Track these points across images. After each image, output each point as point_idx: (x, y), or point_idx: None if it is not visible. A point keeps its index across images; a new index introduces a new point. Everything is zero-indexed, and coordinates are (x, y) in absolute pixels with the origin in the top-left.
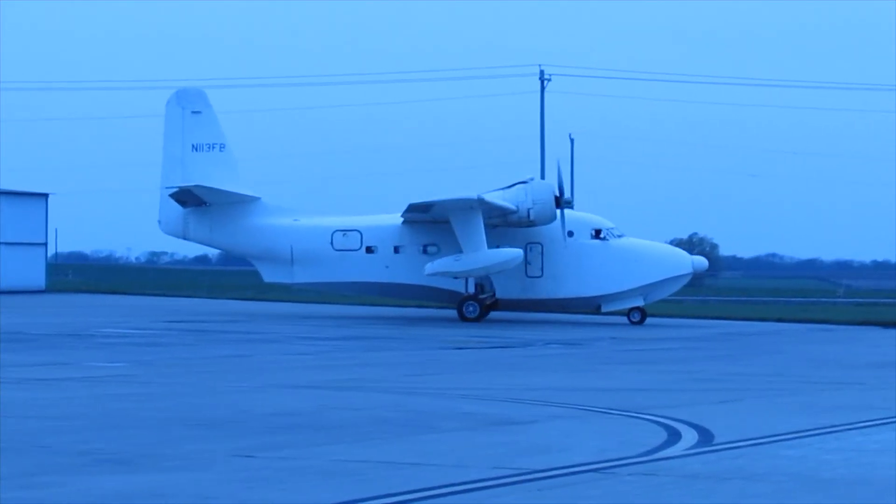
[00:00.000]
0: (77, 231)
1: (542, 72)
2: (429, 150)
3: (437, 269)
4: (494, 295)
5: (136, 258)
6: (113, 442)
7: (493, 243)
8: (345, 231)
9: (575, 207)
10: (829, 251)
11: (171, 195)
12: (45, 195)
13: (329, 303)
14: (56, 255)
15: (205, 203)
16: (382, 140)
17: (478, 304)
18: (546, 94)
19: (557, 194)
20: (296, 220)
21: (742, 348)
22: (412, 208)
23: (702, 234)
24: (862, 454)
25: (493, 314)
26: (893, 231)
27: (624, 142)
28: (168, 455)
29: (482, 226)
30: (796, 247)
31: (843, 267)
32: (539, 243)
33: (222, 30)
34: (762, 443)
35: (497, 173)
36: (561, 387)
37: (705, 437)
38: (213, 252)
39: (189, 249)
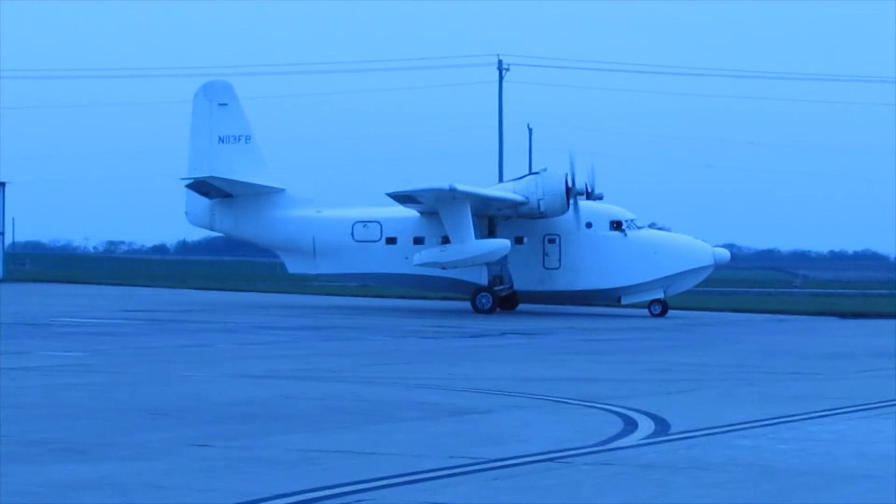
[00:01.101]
0: (34, 220)
1: (500, 61)
2: (386, 140)
3: (423, 259)
4: (512, 287)
5: (94, 248)
6: (68, 431)
7: (511, 235)
8: (365, 222)
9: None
10: (786, 242)
11: (188, 186)
12: (2, 184)
13: (294, 293)
14: (13, 244)
15: (230, 195)
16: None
17: (491, 296)
18: (504, 84)
19: (569, 186)
20: (319, 211)
21: (699, 339)
22: (393, 198)
23: (659, 224)
24: (817, 444)
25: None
26: (850, 222)
27: (582, 131)
28: (123, 444)
29: (469, 216)
30: (754, 237)
31: (801, 257)
32: (557, 235)
33: (164, 18)
34: (717, 433)
35: (454, 163)
36: (518, 377)
37: (661, 426)
38: (170, 242)
39: (146, 239)
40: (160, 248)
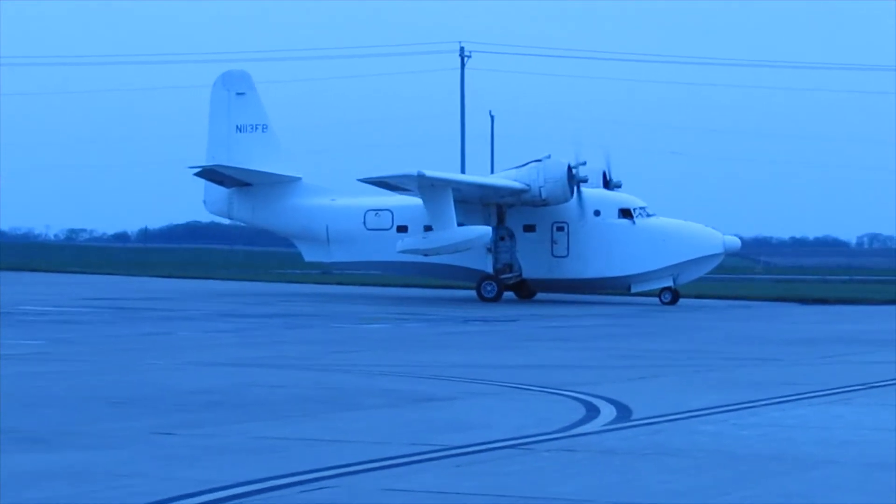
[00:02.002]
0: None
1: (462, 48)
2: (349, 127)
3: (406, 246)
4: (521, 275)
5: (55, 235)
6: (29, 420)
7: (520, 223)
8: (377, 211)
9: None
10: (747, 228)
11: (197, 174)
12: None
13: (259, 281)
14: None
15: (248, 184)
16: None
17: (496, 284)
18: (466, 71)
19: (572, 173)
20: (333, 200)
21: (661, 325)
22: (369, 183)
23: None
24: (779, 429)
25: (508, 295)
26: (811, 208)
27: (544, 119)
28: (85, 433)
29: (451, 203)
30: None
31: (762, 243)
32: (565, 223)
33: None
34: (680, 419)
35: (416, 151)
36: (482, 364)
37: (623, 413)
38: (132, 230)
39: (108, 227)
40: (122, 237)
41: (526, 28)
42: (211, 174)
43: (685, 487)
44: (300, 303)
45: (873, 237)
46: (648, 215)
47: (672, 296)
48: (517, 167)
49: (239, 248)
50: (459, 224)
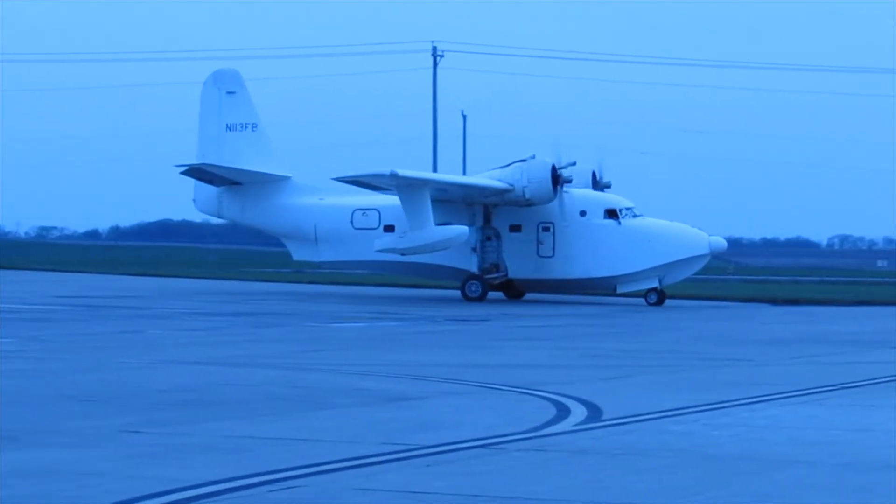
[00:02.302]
0: None
1: (434, 48)
2: (322, 126)
3: (383, 245)
4: (507, 275)
5: (26, 233)
6: None
7: (507, 223)
8: (364, 210)
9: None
10: (719, 228)
11: (183, 172)
12: None
13: (230, 280)
14: None
15: (238, 183)
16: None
17: (481, 284)
18: (439, 71)
19: (556, 174)
20: (321, 199)
21: (633, 325)
22: (344, 182)
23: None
24: (750, 430)
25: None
26: (782, 209)
27: (517, 118)
28: (55, 431)
29: (428, 202)
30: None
31: (733, 244)
32: (551, 223)
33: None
34: (650, 419)
35: (389, 150)
36: (453, 363)
37: (594, 413)
38: (103, 227)
39: (79, 224)
40: (93, 234)
41: (498, 28)
42: (198, 173)
43: (656, 487)
44: (273, 302)
45: (844, 238)
46: (635, 216)
47: (658, 297)
48: (501, 167)
49: (211, 246)
50: (444, 224)
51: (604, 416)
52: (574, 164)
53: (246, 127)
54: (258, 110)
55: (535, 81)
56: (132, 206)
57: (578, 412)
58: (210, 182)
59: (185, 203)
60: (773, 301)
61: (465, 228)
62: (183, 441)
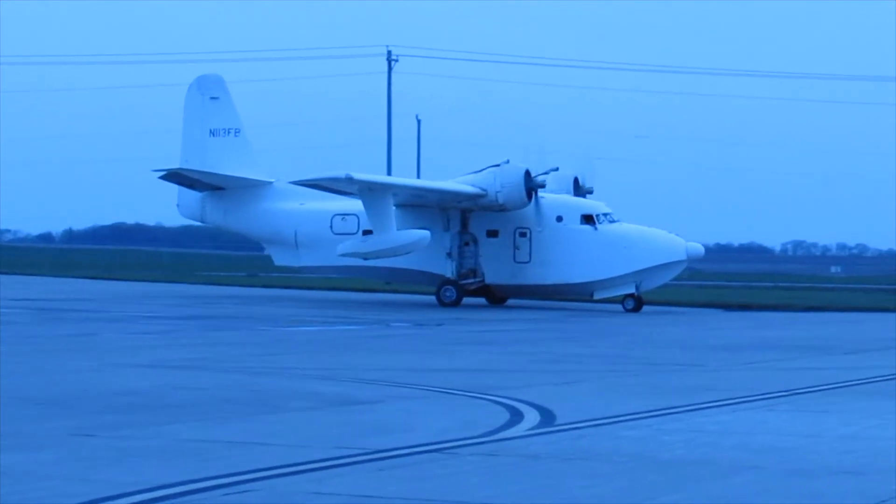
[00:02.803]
0: None
1: (389, 52)
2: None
3: (346, 249)
4: (484, 280)
5: None
6: None
7: (484, 229)
8: (343, 215)
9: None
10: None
11: (161, 177)
12: None
13: (184, 283)
14: None
15: (221, 188)
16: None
17: (455, 289)
18: (393, 75)
19: (530, 179)
20: (302, 204)
21: (586, 329)
22: (301, 185)
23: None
24: (702, 435)
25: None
26: (735, 215)
27: (471, 123)
28: (5, 434)
29: (390, 207)
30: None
31: None
32: (528, 228)
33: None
34: (603, 423)
35: (343, 154)
36: (406, 367)
37: (547, 417)
38: (56, 230)
39: (32, 227)
40: (46, 237)
41: (452, 33)
42: (177, 177)
43: (608, 492)
44: (226, 305)
45: (797, 244)
46: (612, 221)
47: (635, 303)
48: (475, 172)
49: (164, 249)
50: (421, 229)
51: (557, 421)
52: (556, 169)
53: (229, 132)
54: (241, 115)
55: (489, 86)
56: (86, 210)
57: (531, 417)
58: (192, 187)
59: (139, 206)
60: (726, 307)
61: (426, 233)
62: (136, 444)
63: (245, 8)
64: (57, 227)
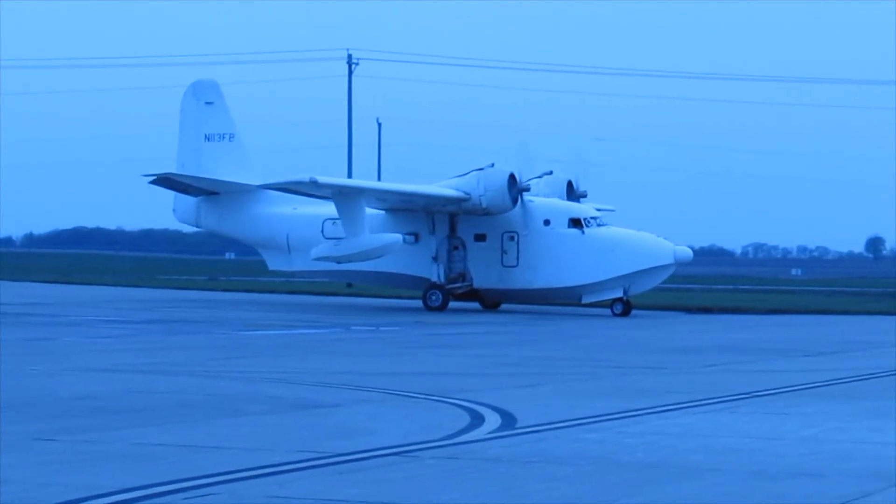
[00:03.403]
0: None
1: (349, 56)
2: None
3: (319, 253)
4: (472, 285)
5: None
6: None
7: (472, 233)
8: (334, 219)
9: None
10: None
11: (151, 182)
12: None
13: (143, 287)
14: None
15: (216, 193)
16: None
17: (441, 293)
18: (354, 79)
19: (515, 182)
20: (294, 208)
21: (547, 333)
22: (269, 188)
23: None
24: (663, 438)
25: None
26: (696, 218)
27: (431, 126)
28: None
29: (363, 210)
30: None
31: None
32: (515, 232)
33: None
34: (564, 427)
35: (302, 158)
36: (367, 371)
37: (508, 420)
38: (17, 234)
39: None
40: (6, 241)
41: (413, 37)
42: (167, 182)
43: (568, 495)
44: (185, 309)
45: (758, 247)
46: (599, 225)
47: (624, 307)
48: (459, 175)
49: (125, 253)
50: (411, 234)
51: (518, 424)
52: (550, 173)
53: (223, 137)
54: (235, 120)
55: (449, 90)
56: (47, 214)
57: (492, 420)
58: (185, 192)
59: (98, 210)
60: (687, 309)
61: (398, 236)
62: (96, 448)
63: (209, 12)
64: (17, 231)
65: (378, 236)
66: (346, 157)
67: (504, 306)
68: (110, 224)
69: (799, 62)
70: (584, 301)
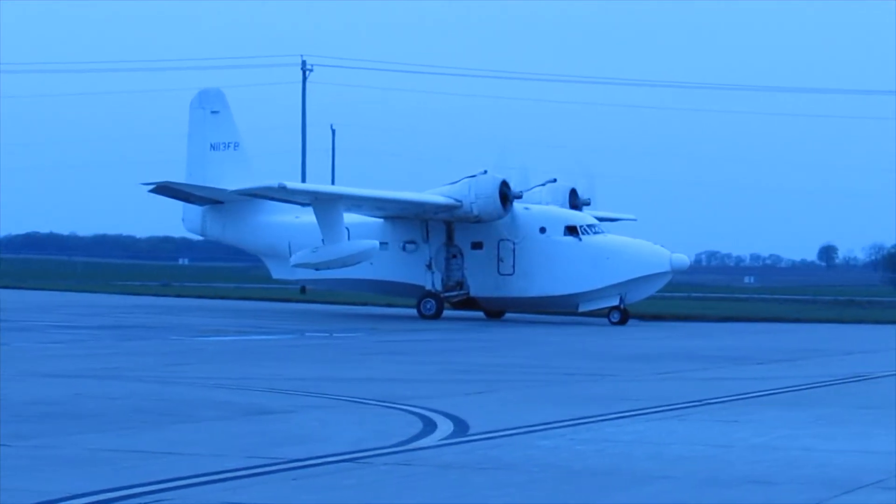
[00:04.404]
0: None
1: (304, 62)
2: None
3: (298, 260)
4: (469, 293)
5: None
6: None
7: (469, 240)
8: None
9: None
10: None
11: (151, 191)
12: None
13: (96, 292)
14: None
15: (219, 202)
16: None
17: (435, 301)
18: (308, 85)
19: (506, 190)
20: (297, 217)
21: (500, 340)
22: (241, 194)
23: None
24: (614, 445)
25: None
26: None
27: (385, 133)
28: None
29: (341, 217)
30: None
31: None
32: (511, 240)
33: None
34: (516, 433)
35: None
36: (319, 377)
37: (460, 427)
38: None
39: None
40: None
41: (367, 43)
42: (166, 191)
43: (521, 501)
44: (138, 315)
45: (711, 255)
46: (596, 233)
47: (621, 315)
48: (451, 183)
49: (78, 259)
50: (409, 242)
51: (470, 431)
52: (554, 181)
53: (228, 146)
54: (240, 129)
55: (402, 96)
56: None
57: (445, 426)
58: (188, 200)
59: (50, 215)
60: (640, 317)
61: (375, 243)
62: (47, 454)
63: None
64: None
65: (355, 243)
66: (300, 163)
67: (507, 315)
68: (63, 229)
69: (759, 70)
70: (581, 309)
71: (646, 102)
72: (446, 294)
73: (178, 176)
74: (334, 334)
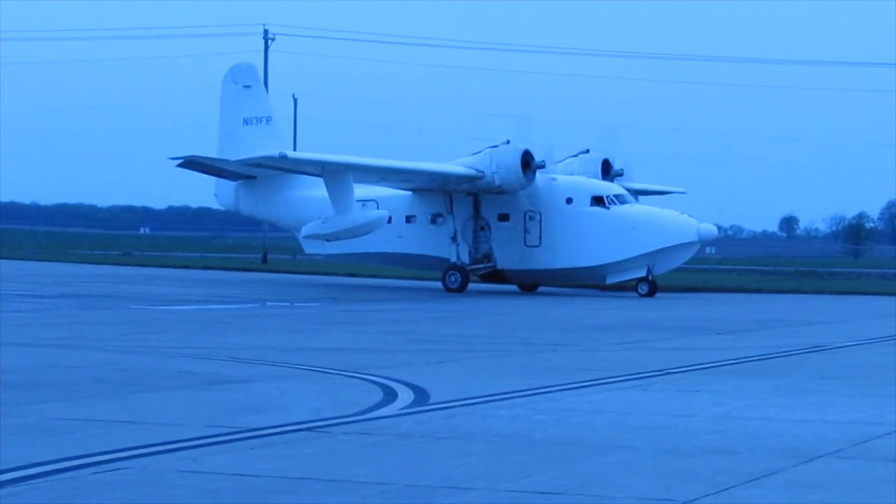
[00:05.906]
0: None
1: (266, 31)
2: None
3: (307, 231)
4: (496, 266)
5: None
6: None
7: (495, 212)
8: (364, 201)
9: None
10: None
11: (178, 165)
12: None
13: (59, 261)
14: None
15: (252, 177)
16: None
17: (460, 274)
18: (270, 54)
19: (528, 160)
20: None
21: (462, 310)
22: (243, 164)
23: None
24: (575, 414)
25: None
26: None
27: (347, 102)
28: None
29: (350, 187)
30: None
31: None
32: (538, 211)
33: None
34: (477, 403)
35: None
36: (280, 346)
37: (421, 396)
38: None
39: None
40: None
41: (331, 13)
42: (193, 165)
43: (480, 470)
44: (99, 284)
45: None
46: (623, 203)
47: (649, 287)
48: (473, 154)
49: (39, 228)
50: (437, 215)
51: (430, 400)
52: (587, 151)
53: (261, 121)
54: (272, 103)
55: (365, 65)
56: None
57: (405, 396)
58: (220, 175)
59: (11, 184)
60: (602, 288)
61: (384, 213)
62: (7, 423)
63: None
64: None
65: (364, 213)
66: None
67: (539, 289)
68: (24, 198)
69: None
70: (608, 281)
71: (597, 73)
72: (473, 266)
73: (210, 151)
74: (295, 304)
